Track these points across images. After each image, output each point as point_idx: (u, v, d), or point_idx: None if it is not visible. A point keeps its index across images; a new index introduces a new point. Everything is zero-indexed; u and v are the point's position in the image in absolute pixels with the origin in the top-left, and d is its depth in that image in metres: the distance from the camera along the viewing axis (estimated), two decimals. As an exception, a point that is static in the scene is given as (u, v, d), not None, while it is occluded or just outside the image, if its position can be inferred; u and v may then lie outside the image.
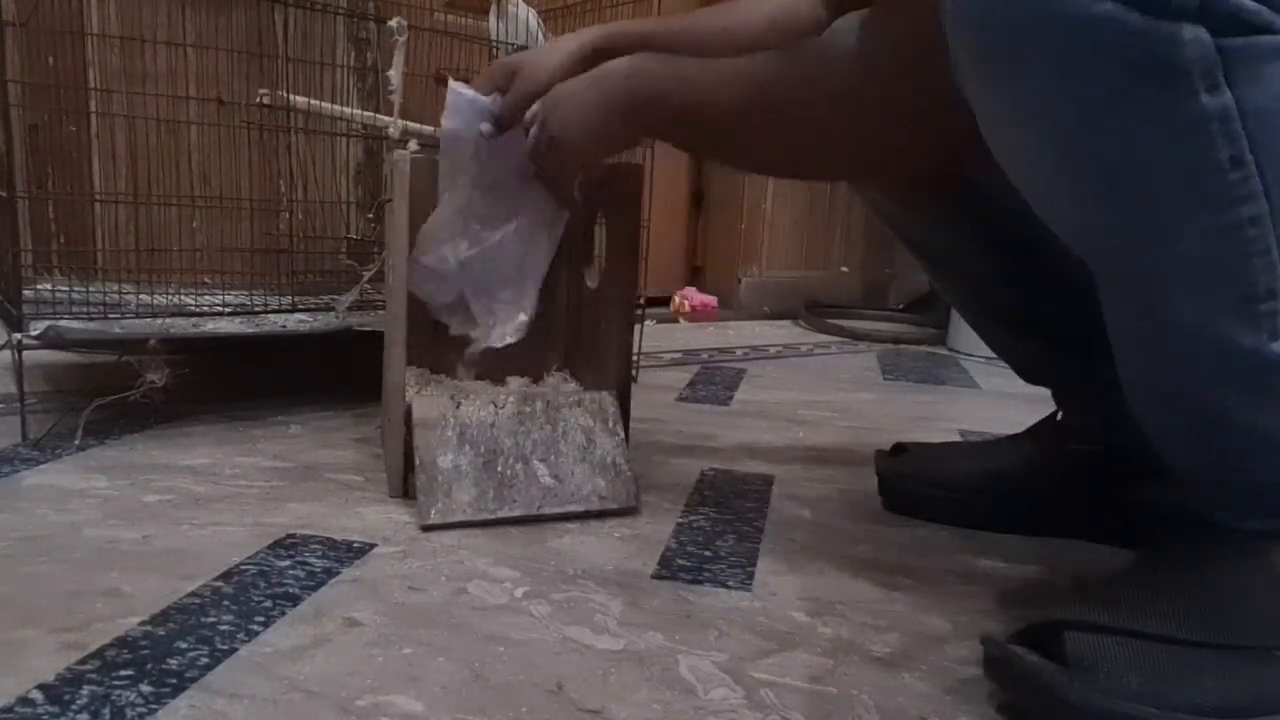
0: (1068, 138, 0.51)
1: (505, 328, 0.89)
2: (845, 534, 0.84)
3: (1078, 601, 0.57)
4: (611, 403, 0.88)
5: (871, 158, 0.73)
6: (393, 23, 1.05)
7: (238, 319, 1.04)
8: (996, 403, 1.47)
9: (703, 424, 1.21)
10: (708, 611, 0.67)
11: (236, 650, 0.57)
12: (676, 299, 2.25)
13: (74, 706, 0.51)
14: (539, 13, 1.26)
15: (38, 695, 0.51)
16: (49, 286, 0.99)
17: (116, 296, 1.04)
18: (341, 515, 0.80)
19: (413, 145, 1.05)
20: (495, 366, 0.90)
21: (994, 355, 0.95)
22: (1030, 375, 0.89)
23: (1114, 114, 0.48)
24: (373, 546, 0.74)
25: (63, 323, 0.94)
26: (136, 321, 0.99)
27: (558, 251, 0.91)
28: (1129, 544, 0.77)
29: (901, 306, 2.43)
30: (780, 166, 0.89)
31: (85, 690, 0.52)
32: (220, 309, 1.05)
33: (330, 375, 1.24)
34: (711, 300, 2.29)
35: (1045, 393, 0.88)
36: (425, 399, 0.83)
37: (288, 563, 0.70)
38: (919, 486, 0.89)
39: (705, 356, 1.73)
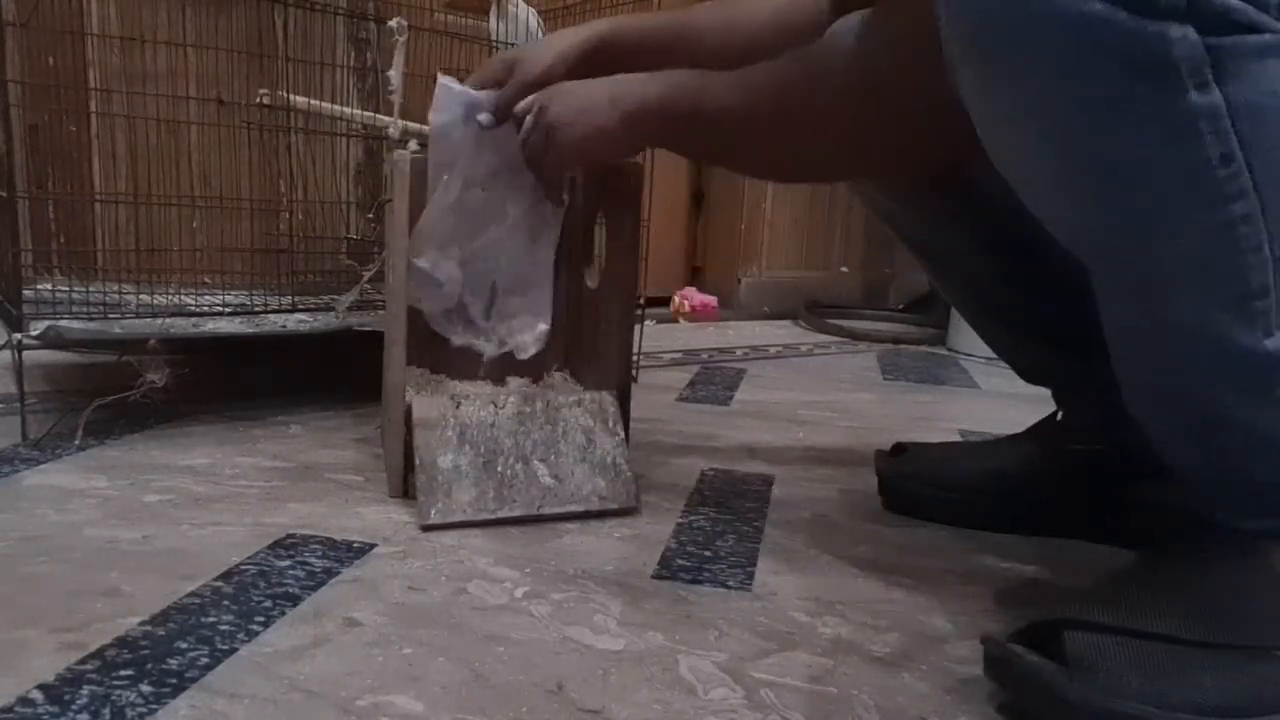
0: (1061, 137, 0.51)
1: (525, 337, 0.89)
2: (845, 534, 0.84)
3: (1078, 601, 0.57)
4: (611, 403, 0.88)
5: (873, 159, 0.74)
6: (393, 23, 1.05)
7: (238, 319, 1.04)
8: (996, 403, 1.47)
9: (703, 424, 1.21)
10: (708, 611, 0.67)
11: (236, 650, 0.57)
12: (676, 299, 2.25)
13: (74, 706, 0.51)
14: (539, 13, 1.26)
15: (38, 695, 0.51)
16: (49, 286, 0.99)
17: (116, 296, 1.04)
18: (341, 515, 0.80)
19: (413, 145, 1.05)
20: (496, 367, 0.90)
21: (994, 355, 0.95)
22: (1030, 375, 0.89)
23: (1106, 113, 0.49)
24: (373, 546, 0.74)
25: (63, 323, 0.94)
26: (136, 321, 0.99)
27: (557, 252, 0.91)
28: (1129, 544, 0.77)
29: (901, 306, 2.43)
30: (784, 170, 0.89)
31: (85, 690, 0.52)
32: (220, 309, 1.05)
33: (330, 375, 1.24)
34: (711, 300, 2.28)
35: (1045, 393, 0.88)
36: (425, 399, 0.83)
37: (288, 563, 0.70)
38: (919, 486, 0.89)
39: (705, 356, 1.73)
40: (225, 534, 0.75)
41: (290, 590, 0.66)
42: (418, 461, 0.80)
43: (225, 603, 0.63)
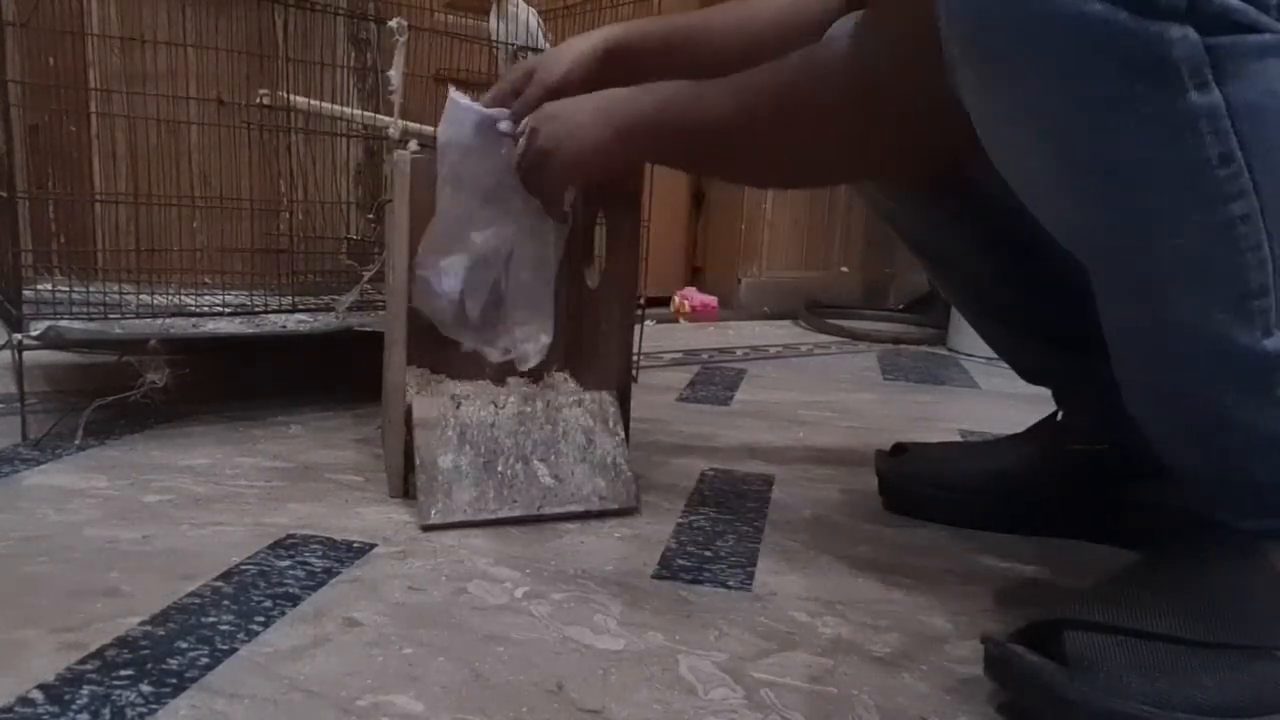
0: (1060, 137, 0.51)
1: (528, 347, 0.89)
2: (845, 534, 0.84)
3: (1078, 601, 0.57)
4: (611, 403, 0.88)
5: (873, 161, 0.74)
6: (393, 23, 1.05)
7: (238, 319, 1.04)
8: (996, 403, 1.47)
9: (703, 424, 1.21)
10: (708, 611, 0.67)
11: (236, 650, 0.57)
12: (676, 299, 2.25)
13: (74, 706, 0.51)
14: (539, 13, 1.26)
15: (38, 695, 0.51)
16: (49, 286, 0.99)
17: (116, 296, 1.04)
18: (341, 515, 0.81)
19: (413, 145, 1.05)
20: (496, 367, 0.90)
21: (994, 355, 0.95)
22: (1030, 375, 0.89)
23: (1106, 113, 0.49)
24: (373, 546, 0.74)
25: (63, 323, 0.94)
26: (136, 321, 0.99)
27: (560, 263, 0.91)
28: (1129, 544, 0.77)
29: (901, 306, 2.43)
30: (784, 176, 0.89)
31: (85, 690, 0.52)
32: (220, 309, 1.05)
33: (330, 375, 1.24)
34: (711, 300, 2.28)
35: (1045, 393, 0.88)
36: (425, 399, 0.83)
37: (288, 563, 0.70)
38: (919, 486, 0.89)
39: (705, 356, 1.73)
40: (225, 534, 0.75)
41: (290, 590, 0.66)
42: (418, 461, 0.80)
43: (225, 603, 0.63)
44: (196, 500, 0.82)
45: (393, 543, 0.75)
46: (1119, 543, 0.79)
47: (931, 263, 0.92)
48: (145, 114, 1.06)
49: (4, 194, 0.99)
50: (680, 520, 0.84)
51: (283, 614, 0.62)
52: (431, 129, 1.07)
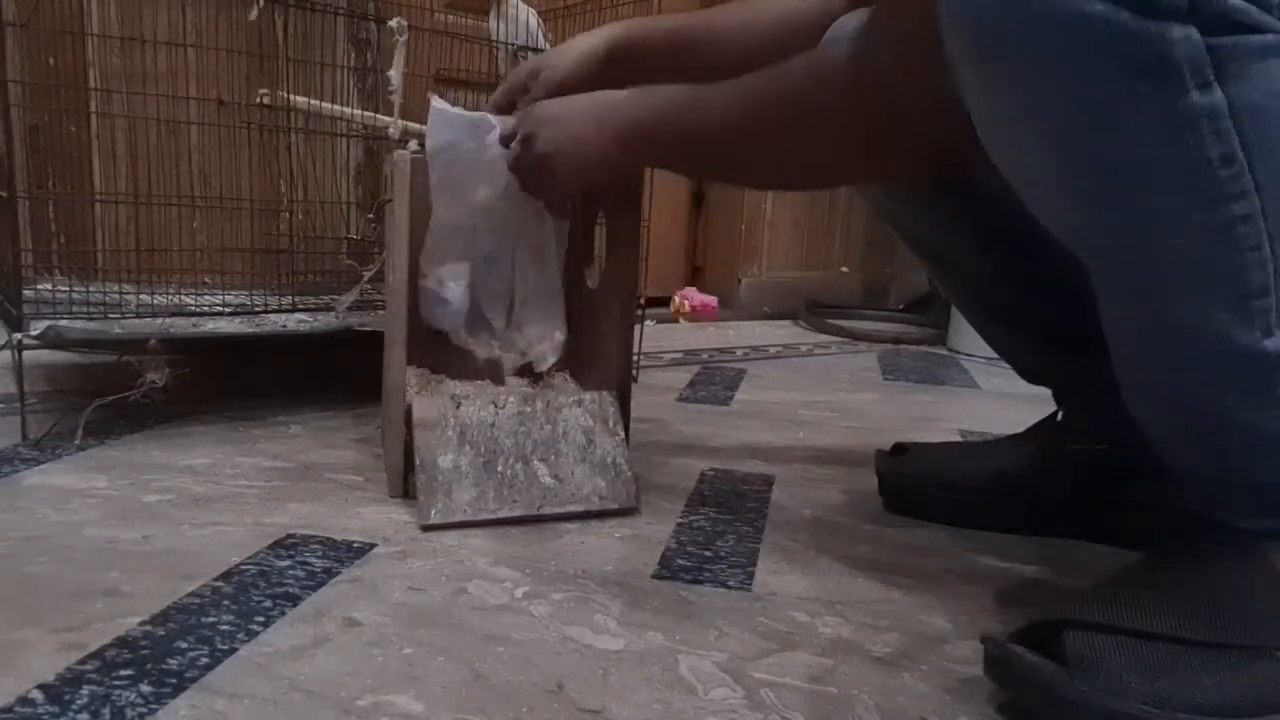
0: (1061, 137, 0.51)
1: (544, 347, 0.89)
2: (845, 534, 0.84)
3: (1078, 601, 0.57)
4: (611, 403, 0.88)
5: (874, 162, 0.73)
6: (393, 23, 1.05)
7: (238, 319, 1.04)
8: (996, 403, 1.47)
9: (703, 424, 1.21)
10: (708, 611, 0.67)
11: (236, 650, 0.57)
12: (677, 299, 2.25)
13: (74, 706, 0.51)
14: (539, 13, 1.26)
15: (38, 695, 0.51)
16: (49, 286, 0.99)
17: (116, 296, 1.04)
18: (341, 515, 0.80)
19: (413, 145, 1.05)
20: (496, 367, 0.90)
21: (994, 355, 0.95)
22: (1031, 375, 0.89)
23: (1107, 113, 0.49)
24: (373, 546, 0.74)
25: (63, 323, 0.94)
26: (136, 321, 0.99)
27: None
28: (1129, 544, 0.77)
29: (901, 306, 2.43)
30: (786, 177, 0.89)
31: (85, 690, 0.52)
32: (220, 309, 1.05)
33: (330, 375, 1.24)
34: (711, 300, 2.28)
35: (1045, 393, 0.88)
36: (425, 399, 0.83)
37: (288, 563, 0.70)
38: (919, 486, 0.89)
39: (705, 356, 1.73)
40: (225, 534, 0.75)
41: (290, 590, 0.66)
42: (418, 461, 0.80)
43: (225, 603, 0.63)
44: (196, 500, 0.82)
45: (393, 543, 0.75)
46: (1119, 543, 0.79)
47: (932, 263, 0.92)
48: (145, 114, 1.06)
49: (4, 194, 0.99)
50: (680, 520, 0.84)
51: (283, 614, 0.62)
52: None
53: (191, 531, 0.75)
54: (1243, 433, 0.53)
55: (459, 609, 0.65)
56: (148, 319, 1.00)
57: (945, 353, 1.94)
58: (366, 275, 1.11)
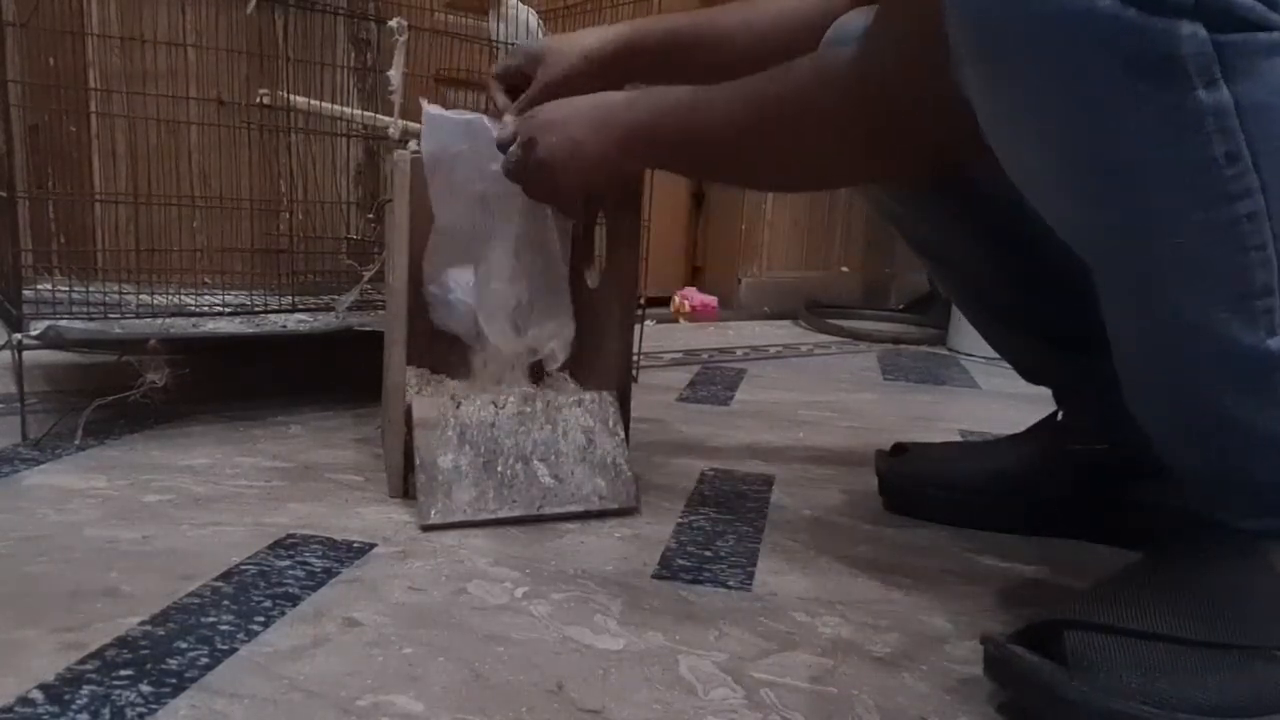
0: (1066, 135, 0.51)
1: (554, 344, 0.90)
2: (845, 534, 0.84)
3: (1078, 601, 0.57)
4: (611, 403, 0.88)
5: (877, 162, 0.73)
6: (393, 23, 1.05)
7: (238, 319, 1.04)
8: (996, 403, 1.47)
9: (703, 424, 1.21)
10: (708, 611, 0.67)
11: (236, 650, 0.57)
12: (677, 299, 2.25)
13: (74, 706, 0.51)
14: (539, 13, 1.26)
15: (38, 695, 0.51)
16: (49, 286, 0.99)
17: (116, 296, 1.04)
18: (341, 515, 0.80)
19: (413, 145, 1.05)
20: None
21: (994, 355, 0.95)
22: (1031, 375, 0.89)
23: (1111, 111, 0.48)
24: (373, 546, 0.74)
25: (63, 323, 0.94)
26: (136, 321, 0.99)
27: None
28: (1129, 544, 0.77)
29: (901, 306, 2.43)
30: (788, 178, 0.89)
31: (85, 690, 0.52)
32: (220, 309, 1.05)
33: (330, 375, 1.24)
34: (711, 300, 2.28)
35: (1045, 393, 0.88)
36: (425, 399, 0.83)
37: (288, 563, 0.70)
38: (919, 486, 0.89)
39: (705, 356, 1.73)
40: (225, 534, 0.75)
41: (290, 590, 0.66)
42: (418, 461, 0.80)
43: (225, 603, 0.63)
44: (196, 500, 0.82)
45: (393, 543, 0.75)
46: (1119, 543, 0.79)
47: (933, 262, 0.92)
48: (145, 114, 1.06)
49: (4, 194, 0.98)
50: (680, 520, 0.84)
51: (283, 614, 0.62)
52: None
53: (191, 531, 0.75)
54: (1244, 433, 0.53)
55: (459, 609, 0.65)
56: (148, 319, 1.00)
57: (945, 353, 1.94)
58: (366, 275, 1.11)
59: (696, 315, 2.22)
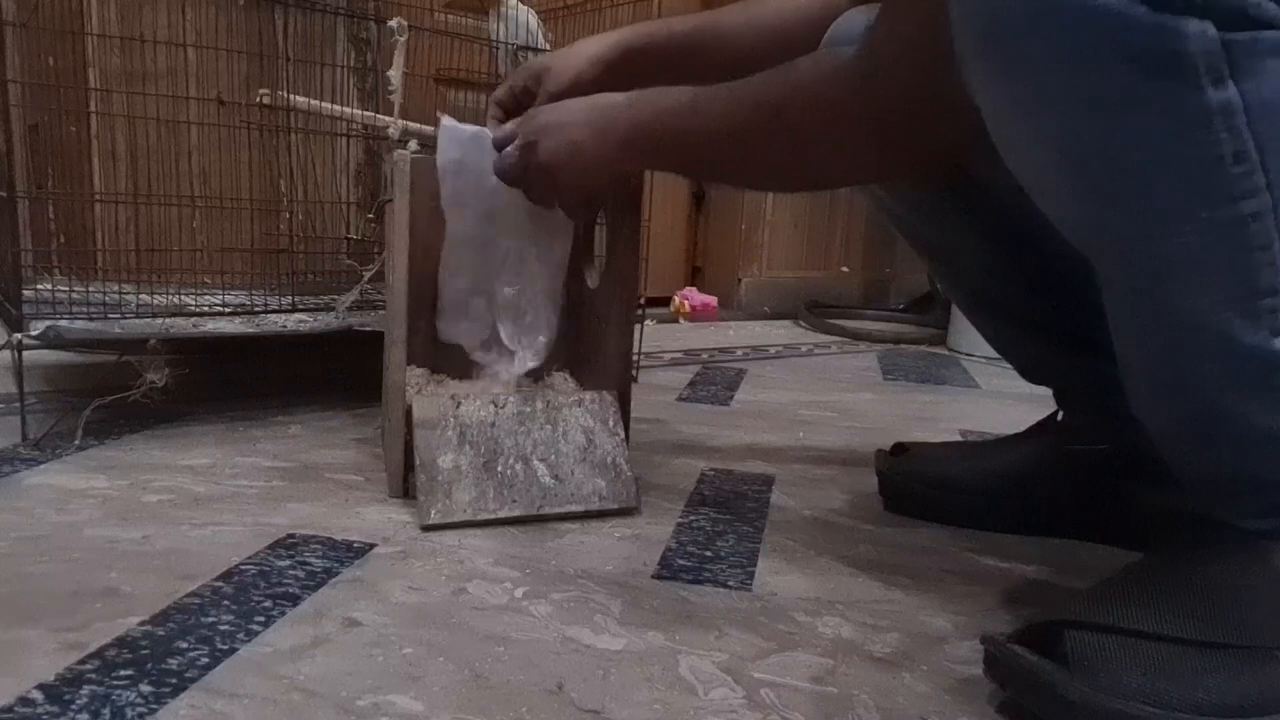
0: (1071, 132, 0.51)
1: (527, 352, 0.90)
2: (845, 534, 0.84)
3: (1078, 601, 0.57)
4: (611, 403, 0.88)
5: (881, 162, 0.73)
6: (393, 23, 1.05)
7: (238, 319, 1.04)
8: (996, 403, 1.47)
9: (703, 424, 1.21)
10: (708, 611, 0.67)
11: (236, 650, 0.57)
12: (676, 299, 2.25)
13: (74, 706, 0.51)
14: (539, 14, 1.26)
15: (38, 695, 0.51)
16: (49, 286, 0.99)
17: (116, 296, 1.04)
18: (341, 515, 0.80)
19: (413, 145, 1.05)
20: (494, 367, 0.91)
21: (994, 355, 0.95)
22: (1032, 375, 0.89)
23: (1117, 108, 0.48)
24: (373, 546, 0.74)
25: (63, 323, 0.94)
26: (136, 321, 0.99)
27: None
28: (1129, 544, 0.77)
29: (901, 306, 2.43)
30: (790, 183, 0.89)
31: (85, 690, 0.52)
32: (220, 309, 1.05)
33: (330, 375, 1.24)
34: (711, 300, 2.28)
35: (1045, 393, 0.88)
36: (425, 399, 0.83)
37: (288, 563, 0.70)
38: (919, 486, 0.89)
39: (705, 356, 1.73)
40: (225, 534, 0.75)
41: (290, 590, 0.66)
42: (418, 461, 0.80)
43: (225, 603, 0.63)
44: (196, 500, 0.82)
45: (393, 543, 0.75)
46: (1119, 543, 0.79)
47: (935, 262, 0.92)
48: (145, 114, 1.06)
49: (4, 194, 0.98)
50: (680, 520, 0.84)
51: (283, 614, 0.62)
52: (431, 129, 1.07)
53: (191, 531, 0.75)
54: (1246, 432, 0.53)
55: (459, 609, 0.65)
56: (148, 319, 1.00)
57: (945, 353, 1.94)
58: (366, 275, 1.11)
59: (696, 315, 2.22)
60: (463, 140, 0.85)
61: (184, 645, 0.57)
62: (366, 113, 1.14)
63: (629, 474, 0.85)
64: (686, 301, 2.24)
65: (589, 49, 0.86)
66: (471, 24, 1.31)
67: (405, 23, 1.05)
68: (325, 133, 1.17)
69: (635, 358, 1.05)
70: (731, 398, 1.39)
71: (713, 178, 0.96)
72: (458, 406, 0.83)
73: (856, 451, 1.10)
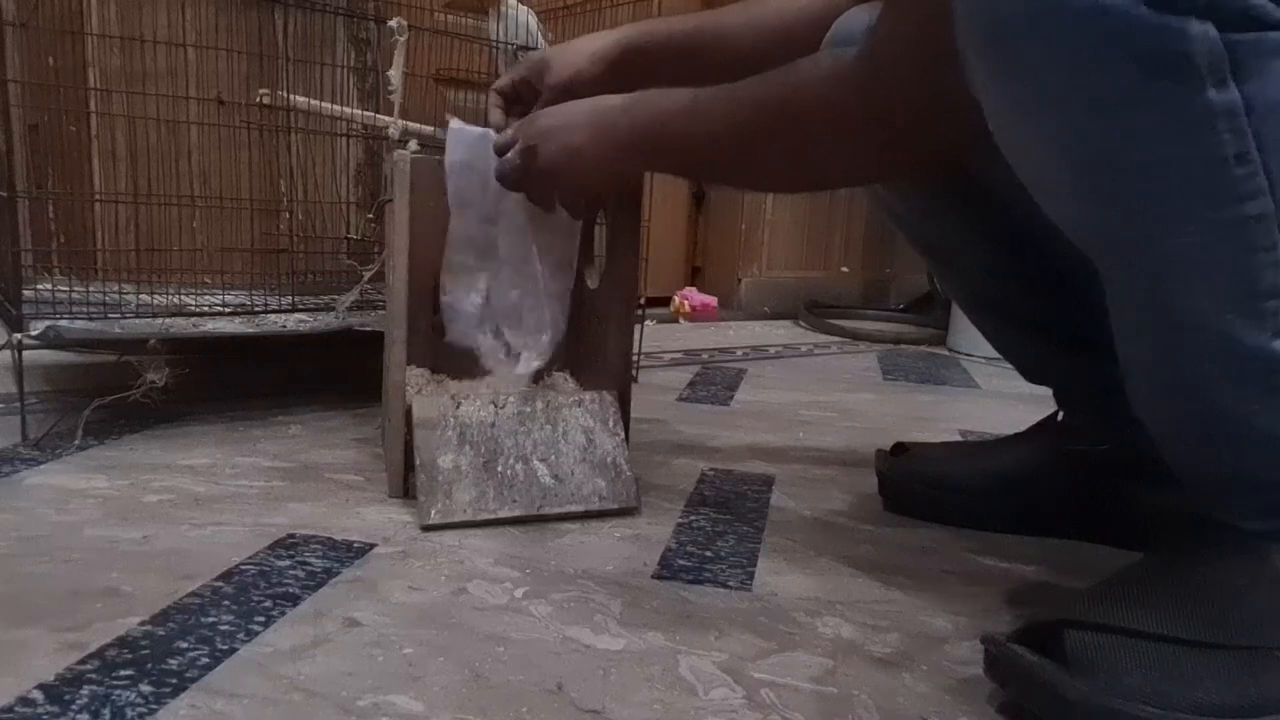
0: (1074, 132, 0.51)
1: (531, 352, 0.90)
2: (845, 534, 0.84)
3: (1078, 601, 0.57)
4: (611, 403, 0.88)
5: (883, 162, 0.73)
6: (393, 23, 1.05)
7: (238, 319, 1.04)
8: (996, 403, 1.47)
9: (703, 424, 1.21)
10: (708, 611, 0.67)
11: (236, 650, 0.57)
12: (676, 299, 2.25)
13: (74, 706, 0.51)
14: (538, 14, 1.26)
15: (38, 695, 0.51)
16: (49, 286, 0.99)
17: (116, 296, 1.04)
18: (341, 515, 0.80)
19: (413, 145, 1.05)
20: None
21: (994, 355, 0.95)
22: (1032, 375, 0.89)
23: (1119, 109, 0.48)
24: (373, 546, 0.74)
25: (63, 323, 0.94)
26: (136, 321, 0.99)
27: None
28: (1129, 544, 0.77)
29: (901, 306, 2.44)
30: (792, 183, 0.89)
31: (85, 690, 0.52)
32: (220, 309, 1.05)
33: (330, 375, 1.24)
34: (711, 300, 2.29)
35: (1045, 393, 0.88)
36: (425, 399, 0.83)
37: (288, 563, 0.70)
38: (919, 486, 0.89)
39: (705, 356, 1.73)
40: (225, 534, 0.75)
41: (290, 590, 0.66)
42: (418, 461, 0.80)
43: (225, 603, 0.63)
44: (196, 500, 0.82)
45: (393, 543, 0.75)
46: (1119, 543, 0.79)
47: (936, 261, 0.92)
48: (145, 114, 1.06)
49: (4, 194, 0.98)
50: (680, 520, 0.84)
51: (283, 614, 0.62)
52: (431, 129, 1.07)
53: (191, 531, 0.75)
54: (1247, 433, 0.53)
55: (459, 609, 0.65)
56: (148, 319, 1.00)
57: (945, 353, 1.94)
58: (366, 275, 1.11)
59: (696, 315, 2.22)
60: (469, 142, 0.85)
61: (184, 645, 0.57)
62: (366, 113, 1.14)
63: (629, 474, 0.85)
64: (686, 301, 2.24)
65: (590, 46, 0.86)
66: (471, 24, 1.31)
67: (405, 23, 1.05)
68: (325, 133, 1.17)
69: (635, 358, 1.05)
70: (731, 398, 1.39)
71: (713, 179, 0.96)
72: (458, 406, 0.83)
73: (856, 451, 1.10)
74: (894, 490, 0.91)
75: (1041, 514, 0.84)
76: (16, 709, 0.50)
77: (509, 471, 0.81)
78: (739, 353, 1.80)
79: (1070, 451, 0.83)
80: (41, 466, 0.88)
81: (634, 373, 1.06)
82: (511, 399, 0.85)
